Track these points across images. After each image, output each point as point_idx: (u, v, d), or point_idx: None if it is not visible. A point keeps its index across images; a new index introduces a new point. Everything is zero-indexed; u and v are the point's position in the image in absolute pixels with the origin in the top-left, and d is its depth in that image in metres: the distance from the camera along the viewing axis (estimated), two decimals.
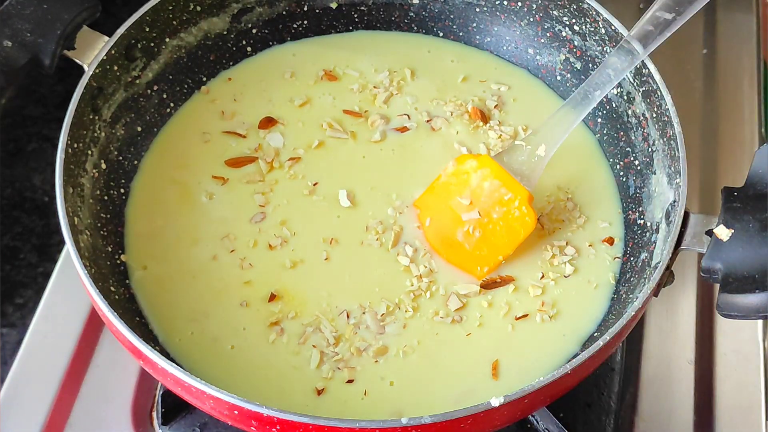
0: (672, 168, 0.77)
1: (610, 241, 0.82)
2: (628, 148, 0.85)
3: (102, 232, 0.79)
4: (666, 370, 0.88)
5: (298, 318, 0.78)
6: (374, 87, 0.91)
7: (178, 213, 0.83)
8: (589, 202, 0.85)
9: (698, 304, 0.92)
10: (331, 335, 0.76)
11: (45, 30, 0.78)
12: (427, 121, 0.89)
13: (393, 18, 0.96)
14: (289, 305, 0.78)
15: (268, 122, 0.89)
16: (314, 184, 0.85)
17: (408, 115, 0.89)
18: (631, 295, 0.77)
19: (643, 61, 0.80)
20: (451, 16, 0.95)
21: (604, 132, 0.88)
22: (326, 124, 0.88)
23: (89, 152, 0.80)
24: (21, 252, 0.98)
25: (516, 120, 0.90)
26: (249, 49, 0.93)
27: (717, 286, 0.68)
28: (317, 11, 0.95)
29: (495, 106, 0.90)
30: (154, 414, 0.84)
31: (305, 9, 0.94)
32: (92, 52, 0.80)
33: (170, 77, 0.89)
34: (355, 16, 0.95)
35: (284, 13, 0.94)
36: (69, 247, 0.70)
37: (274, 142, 0.87)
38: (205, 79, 0.92)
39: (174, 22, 0.87)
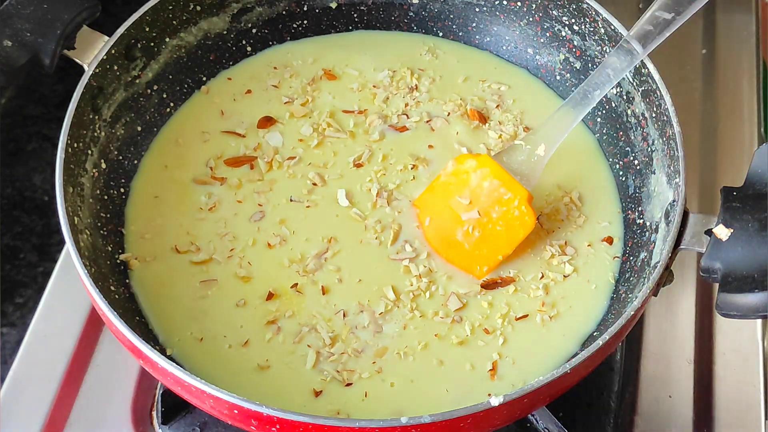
0: (671, 167, 0.77)
1: (610, 240, 0.82)
2: (627, 148, 0.85)
3: (102, 232, 0.79)
4: (665, 369, 0.88)
5: (295, 317, 0.78)
6: (374, 86, 0.91)
7: (177, 212, 0.83)
8: (588, 201, 0.85)
9: (697, 303, 0.92)
10: (327, 335, 0.76)
11: (45, 30, 0.78)
12: (427, 121, 0.89)
13: (393, 18, 0.96)
14: (287, 304, 0.78)
15: (266, 122, 0.89)
16: (313, 184, 0.85)
17: (407, 115, 0.90)
18: (630, 295, 0.77)
19: (642, 60, 0.80)
20: (451, 16, 0.95)
21: (604, 132, 0.88)
22: (325, 124, 0.88)
23: (89, 152, 0.80)
24: (21, 252, 0.98)
25: (516, 120, 0.90)
26: (249, 48, 0.94)
27: (716, 285, 0.68)
28: (317, 11, 0.95)
29: (496, 106, 0.90)
30: (154, 413, 0.84)
31: (305, 9, 0.94)
32: (92, 51, 0.80)
33: (170, 77, 0.89)
34: (355, 15, 0.96)
35: (284, 12, 0.94)
36: (69, 247, 0.70)
37: (273, 141, 0.87)
38: (205, 78, 0.92)
39: (174, 22, 0.87)
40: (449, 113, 0.90)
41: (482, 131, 0.89)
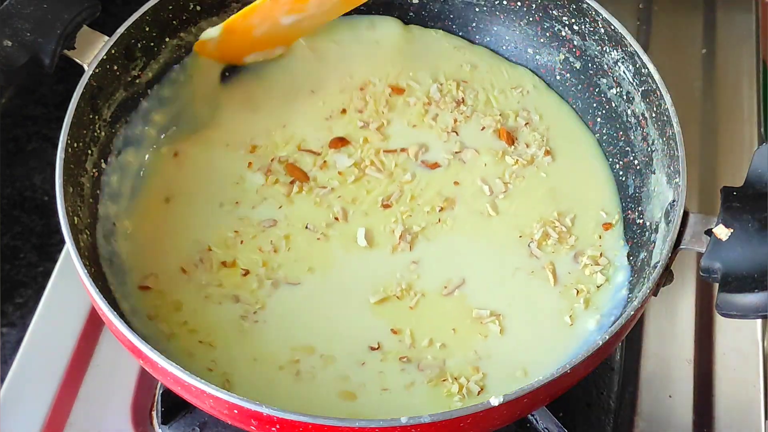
0: (671, 167, 0.77)
1: (608, 226, 0.83)
2: (627, 148, 0.85)
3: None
4: (665, 369, 0.88)
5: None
6: (427, 102, 0.90)
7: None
8: (588, 201, 0.85)
9: (697, 303, 0.92)
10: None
11: (45, 29, 0.78)
12: (457, 152, 0.87)
13: (393, 17, 0.95)
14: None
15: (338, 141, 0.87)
16: (335, 219, 0.83)
17: (456, 132, 0.88)
18: (630, 295, 0.77)
19: (642, 60, 0.80)
20: (451, 16, 0.95)
21: (604, 132, 0.88)
22: (368, 161, 0.86)
23: (89, 152, 0.80)
24: (21, 252, 0.98)
25: (542, 140, 0.88)
26: None
27: (716, 285, 0.68)
28: None
29: (525, 124, 0.89)
30: (154, 413, 0.84)
31: None
32: (92, 51, 0.80)
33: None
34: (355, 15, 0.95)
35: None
36: (69, 247, 0.70)
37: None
38: None
39: (174, 22, 0.87)
40: (484, 128, 0.88)
41: (504, 161, 0.87)
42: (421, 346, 0.76)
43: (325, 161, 0.86)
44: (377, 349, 0.76)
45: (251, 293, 0.78)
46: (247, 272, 0.79)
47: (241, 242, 0.81)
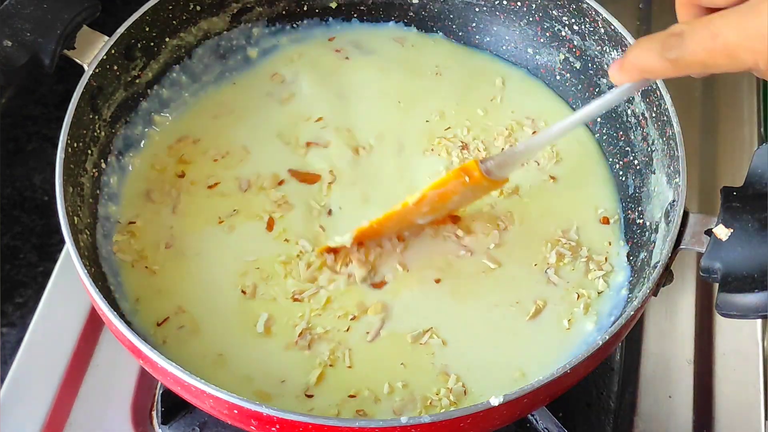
0: (671, 167, 0.77)
1: (606, 220, 0.82)
2: (627, 148, 0.85)
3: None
4: (665, 369, 0.88)
5: None
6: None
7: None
8: (588, 202, 0.85)
9: (697, 303, 0.92)
10: None
11: (45, 29, 0.78)
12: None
13: (393, 17, 0.96)
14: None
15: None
16: (242, 292, 0.78)
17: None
18: (630, 295, 0.77)
19: None
20: (451, 16, 0.95)
21: (604, 131, 0.88)
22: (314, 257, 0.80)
23: (89, 152, 0.80)
24: (21, 252, 0.98)
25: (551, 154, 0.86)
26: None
27: (716, 285, 0.68)
28: (317, 11, 0.95)
29: (533, 133, 0.87)
30: (154, 413, 0.84)
31: (305, 9, 0.94)
32: (92, 51, 0.80)
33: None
34: (355, 15, 0.96)
35: (284, 12, 0.94)
36: (69, 247, 0.70)
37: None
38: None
39: (174, 22, 0.87)
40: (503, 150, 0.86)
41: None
42: (384, 395, 0.73)
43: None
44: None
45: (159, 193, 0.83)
46: (216, 184, 0.83)
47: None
